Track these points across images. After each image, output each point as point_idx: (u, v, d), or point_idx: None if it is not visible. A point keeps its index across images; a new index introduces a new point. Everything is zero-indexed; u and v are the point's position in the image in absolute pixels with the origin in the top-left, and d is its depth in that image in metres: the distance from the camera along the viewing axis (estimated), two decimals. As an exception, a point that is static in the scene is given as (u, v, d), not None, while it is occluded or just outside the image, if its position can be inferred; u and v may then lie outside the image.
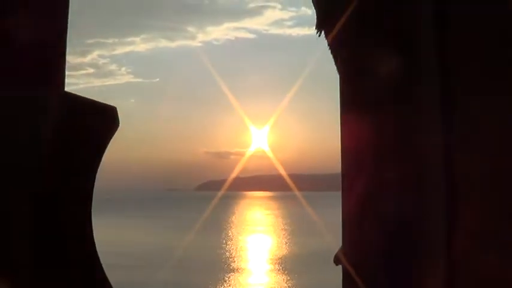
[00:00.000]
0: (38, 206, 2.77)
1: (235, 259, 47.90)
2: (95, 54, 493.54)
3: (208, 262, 44.10)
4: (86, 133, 3.07)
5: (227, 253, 51.01)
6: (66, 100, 3.06)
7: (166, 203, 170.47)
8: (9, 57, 2.66)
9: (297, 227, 73.99)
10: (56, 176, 2.90)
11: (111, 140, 3.27)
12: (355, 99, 2.14)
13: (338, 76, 2.50)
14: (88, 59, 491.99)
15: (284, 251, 52.83)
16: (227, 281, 38.53)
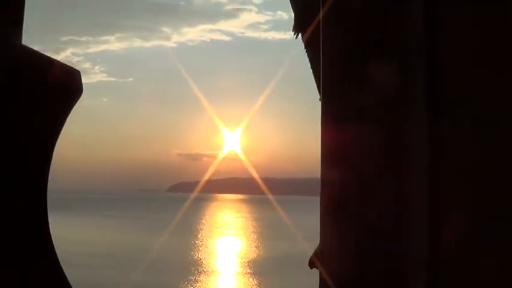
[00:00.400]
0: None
1: (205, 261, 47.76)
2: (68, 51, 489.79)
3: (179, 264, 43.91)
4: (41, 96, 2.45)
5: (198, 255, 50.85)
6: (18, 52, 2.48)
7: (139, 204, 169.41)
8: None
9: (268, 231, 73.96)
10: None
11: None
12: (336, 102, 2.13)
13: (313, 80, 2.48)
14: (61, 56, 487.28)
15: (254, 254, 52.78)
16: (198, 283, 38.40)
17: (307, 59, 2.54)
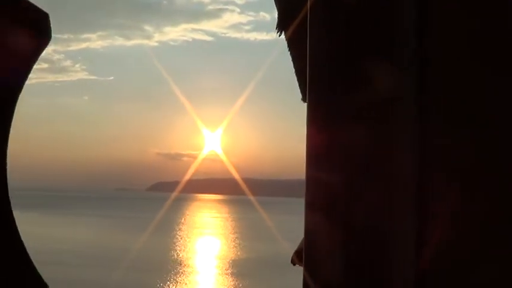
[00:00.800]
0: None
1: (185, 261, 47.67)
2: (49, 49, 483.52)
3: (159, 263, 43.79)
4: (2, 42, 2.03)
5: (177, 255, 50.73)
6: None
7: (118, 203, 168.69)
8: None
9: (247, 231, 74.00)
10: None
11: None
12: (322, 101, 2.10)
13: (294, 79, 2.45)
14: (42, 53, 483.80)
15: (233, 254, 52.77)
16: (177, 283, 38.32)
17: (289, 60, 2.51)
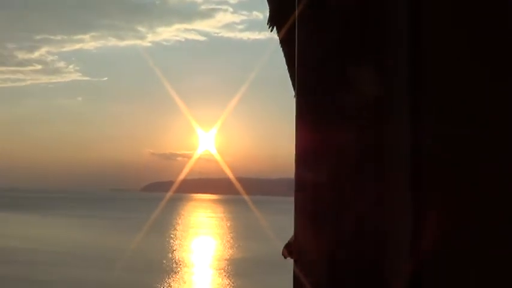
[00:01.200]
0: None
1: (180, 261, 47.64)
2: (43, 50, 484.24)
3: (153, 263, 43.76)
4: None
5: (172, 255, 50.70)
6: None
7: (112, 204, 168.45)
8: None
9: (242, 231, 74.00)
10: None
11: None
12: (311, 101, 2.08)
13: (288, 79, 2.44)
14: (36, 55, 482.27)
15: (228, 254, 52.78)
16: (172, 282, 38.30)
17: (282, 59, 2.50)
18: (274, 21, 2.36)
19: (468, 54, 2.07)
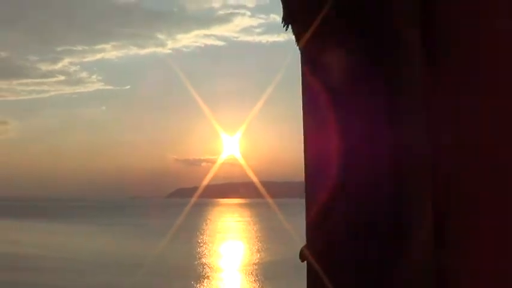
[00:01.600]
0: None
1: (207, 266, 47.71)
2: (65, 61, 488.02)
3: (180, 269, 43.88)
4: None
5: (199, 260, 50.80)
6: None
7: (138, 211, 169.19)
8: None
9: (269, 234, 73.93)
10: None
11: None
12: (320, 102, 2.08)
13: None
14: (59, 66, 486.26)
15: (256, 258, 52.75)
16: (202, 287, 38.37)
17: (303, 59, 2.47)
18: (288, 20, 2.35)
19: (480, 55, 2.05)
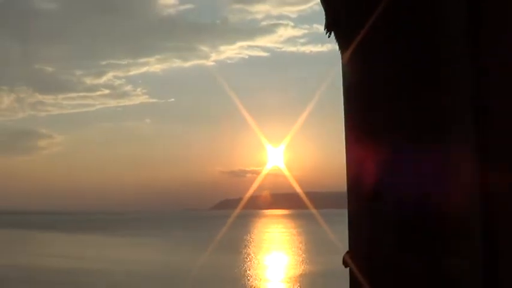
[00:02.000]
0: None
1: (252, 278, 47.70)
2: (110, 75, 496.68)
3: (225, 281, 43.95)
4: None
5: (244, 272, 50.83)
6: None
7: (184, 223, 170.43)
8: None
9: (314, 245, 73.64)
10: None
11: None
12: (362, 113, 2.06)
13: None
14: (103, 80, 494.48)
15: (301, 269, 52.56)
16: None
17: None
18: (330, 26, 2.33)
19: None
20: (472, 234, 1.93)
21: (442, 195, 1.92)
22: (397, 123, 1.98)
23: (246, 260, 60.56)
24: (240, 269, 52.40)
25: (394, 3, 1.99)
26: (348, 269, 2.12)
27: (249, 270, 52.28)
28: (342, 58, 2.30)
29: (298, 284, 43.83)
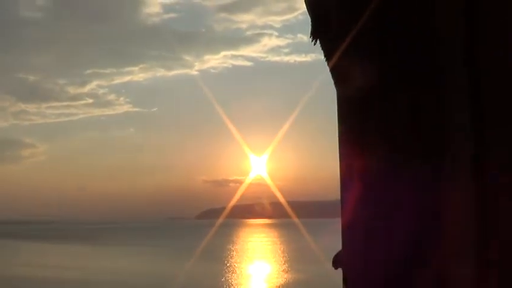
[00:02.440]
0: None
1: (236, 287, 47.59)
2: (93, 84, 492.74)
3: (209, 290, 43.74)
4: None
5: (228, 281, 50.70)
6: None
7: (167, 232, 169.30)
8: None
9: (296, 254, 73.53)
10: None
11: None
12: (355, 122, 2.02)
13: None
14: (87, 89, 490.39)
15: (284, 278, 52.50)
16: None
17: (331, 80, 2.34)
18: (316, 33, 2.32)
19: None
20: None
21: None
22: (390, 129, 1.95)
23: (229, 269, 60.36)
24: (223, 278, 52.24)
25: (384, 4, 1.97)
26: (337, 270, 2.14)
27: (232, 279, 52.13)
28: (329, 63, 2.26)
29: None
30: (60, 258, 74.91)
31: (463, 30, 1.92)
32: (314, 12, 2.30)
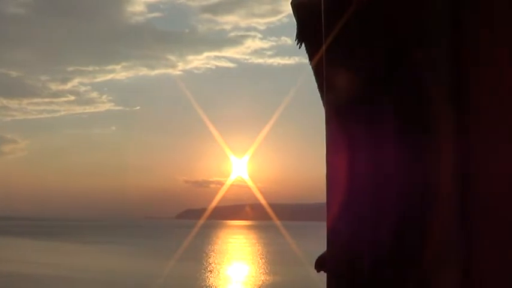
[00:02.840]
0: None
1: (214, 287, 47.58)
2: (76, 81, 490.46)
3: (187, 291, 43.70)
4: None
5: (207, 282, 50.65)
6: None
7: (147, 231, 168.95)
8: None
9: (276, 256, 73.65)
10: None
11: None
12: (343, 116, 2.03)
13: (319, 101, 2.32)
14: (69, 86, 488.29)
15: (263, 279, 52.55)
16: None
17: (313, 82, 2.33)
18: (301, 36, 2.31)
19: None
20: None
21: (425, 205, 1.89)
22: (377, 132, 1.97)
23: (207, 270, 60.29)
24: (204, 279, 52.18)
25: (369, 7, 1.96)
26: (319, 273, 2.13)
27: (211, 280, 52.08)
28: (313, 67, 2.25)
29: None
30: (35, 253, 74.40)
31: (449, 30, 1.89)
32: (300, 15, 2.28)
